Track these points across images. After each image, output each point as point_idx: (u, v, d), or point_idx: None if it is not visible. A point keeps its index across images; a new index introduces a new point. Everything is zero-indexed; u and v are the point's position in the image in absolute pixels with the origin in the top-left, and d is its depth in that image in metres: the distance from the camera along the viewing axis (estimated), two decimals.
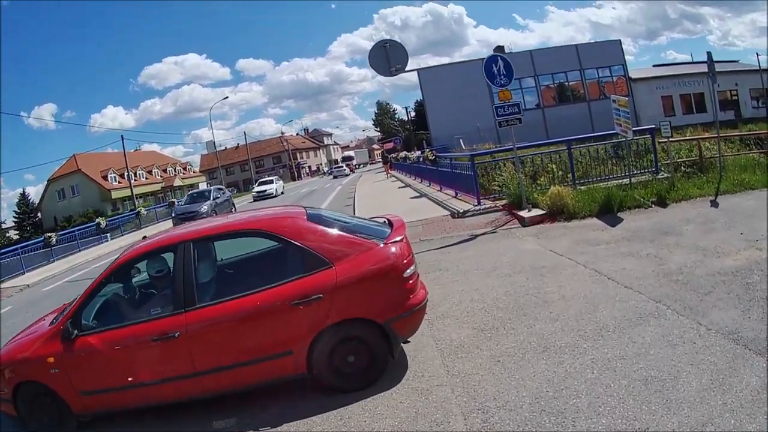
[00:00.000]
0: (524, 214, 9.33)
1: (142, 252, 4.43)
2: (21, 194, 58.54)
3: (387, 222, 4.82)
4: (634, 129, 9.77)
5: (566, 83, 45.18)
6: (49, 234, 21.80)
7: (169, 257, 4.31)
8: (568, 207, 8.94)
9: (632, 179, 9.94)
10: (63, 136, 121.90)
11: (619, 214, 8.48)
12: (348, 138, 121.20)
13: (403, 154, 30.16)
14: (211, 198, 22.70)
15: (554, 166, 11.66)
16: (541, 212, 9.20)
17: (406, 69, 10.19)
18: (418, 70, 39.89)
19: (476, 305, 5.41)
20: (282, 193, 36.63)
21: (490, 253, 7.50)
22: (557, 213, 9.00)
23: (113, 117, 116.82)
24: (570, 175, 11.05)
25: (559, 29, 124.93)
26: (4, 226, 56.27)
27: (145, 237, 6.65)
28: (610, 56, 44.09)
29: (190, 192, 28.14)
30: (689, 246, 6.17)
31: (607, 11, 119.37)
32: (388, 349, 4.06)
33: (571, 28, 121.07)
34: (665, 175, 10.37)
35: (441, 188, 15.96)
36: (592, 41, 53.81)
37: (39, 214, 57.27)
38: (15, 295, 14.71)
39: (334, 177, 54.61)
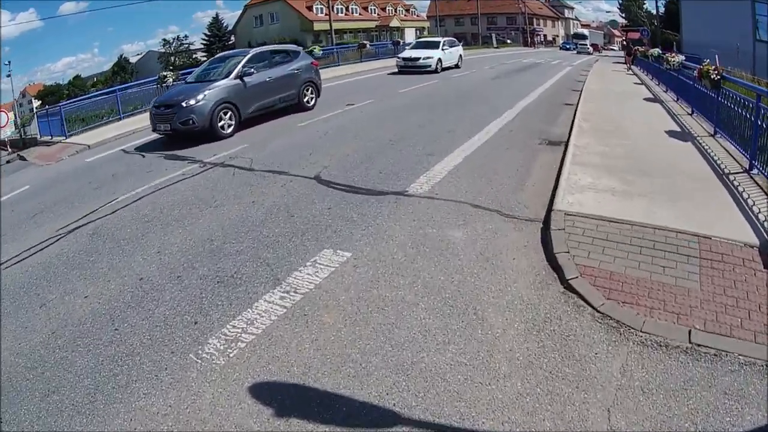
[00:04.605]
0: None
1: None
2: (213, 17, 58.93)
3: None
4: None
5: None
6: (165, 73, 16.56)
7: None
8: None
9: None
10: None
11: None
12: (590, 17, 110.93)
13: (654, 51, 21.15)
14: (235, 73, 10.73)
15: None
16: None
17: None
18: None
19: None
20: (457, 65, 23.99)
21: None
22: None
23: None
24: None
25: None
26: (192, 47, 57.85)
27: None
28: None
29: (221, 54, 13.67)
30: None
31: None
32: None
33: None
34: None
35: (715, 132, 8.67)
36: None
37: (233, 38, 56.97)
38: (66, 158, 11.75)
39: (578, 53, 50.47)
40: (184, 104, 9.97)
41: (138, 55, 59.34)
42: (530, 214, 5.28)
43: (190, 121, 9.92)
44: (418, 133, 9.25)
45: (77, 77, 56.08)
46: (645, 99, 13.69)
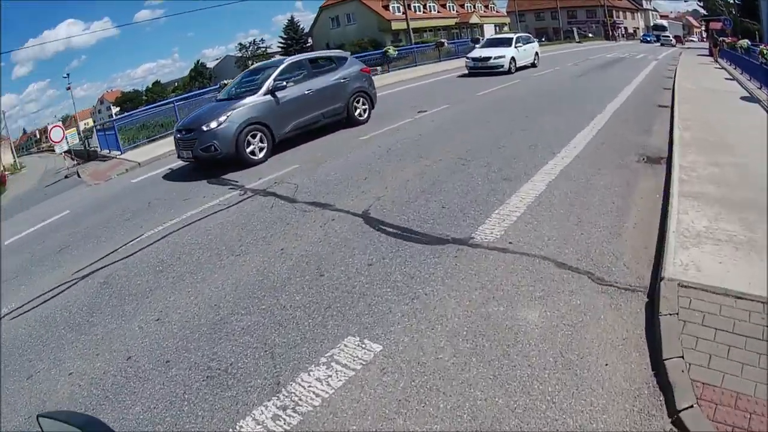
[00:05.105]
0: None
1: None
2: (289, 20, 59.18)
3: None
4: None
5: None
6: (225, 82, 16.04)
7: None
8: None
9: None
10: None
11: None
12: (667, 8, 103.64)
13: (743, 42, 18.83)
14: (266, 87, 9.30)
15: None
16: None
17: None
18: None
19: None
20: (533, 64, 21.91)
21: None
22: None
23: None
24: None
25: None
26: (269, 50, 58.46)
27: None
28: None
29: (255, 65, 13.06)
30: None
31: None
32: None
33: None
34: None
35: None
36: None
37: (310, 40, 57.15)
38: (115, 177, 11.41)
39: (662, 45, 49.22)
40: (204, 128, 8.61)
41: (216, 60, 61.04)
42: (631, 279, 3.91)
43: (212, 148, 8.60)
44: (493, 148, 7.98)
45: (156, 83, 58.60)
46: (741, 98, 11.93)
